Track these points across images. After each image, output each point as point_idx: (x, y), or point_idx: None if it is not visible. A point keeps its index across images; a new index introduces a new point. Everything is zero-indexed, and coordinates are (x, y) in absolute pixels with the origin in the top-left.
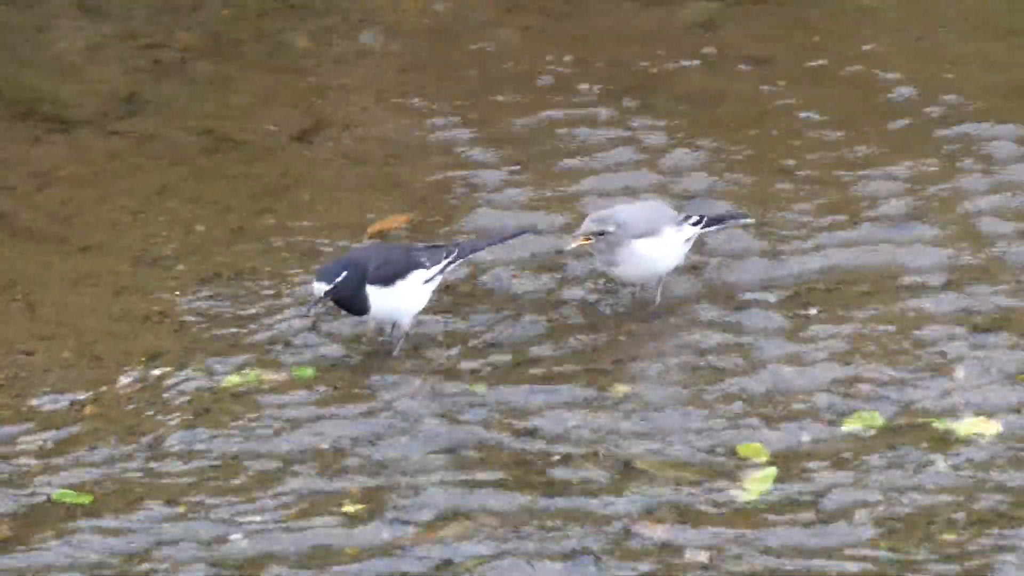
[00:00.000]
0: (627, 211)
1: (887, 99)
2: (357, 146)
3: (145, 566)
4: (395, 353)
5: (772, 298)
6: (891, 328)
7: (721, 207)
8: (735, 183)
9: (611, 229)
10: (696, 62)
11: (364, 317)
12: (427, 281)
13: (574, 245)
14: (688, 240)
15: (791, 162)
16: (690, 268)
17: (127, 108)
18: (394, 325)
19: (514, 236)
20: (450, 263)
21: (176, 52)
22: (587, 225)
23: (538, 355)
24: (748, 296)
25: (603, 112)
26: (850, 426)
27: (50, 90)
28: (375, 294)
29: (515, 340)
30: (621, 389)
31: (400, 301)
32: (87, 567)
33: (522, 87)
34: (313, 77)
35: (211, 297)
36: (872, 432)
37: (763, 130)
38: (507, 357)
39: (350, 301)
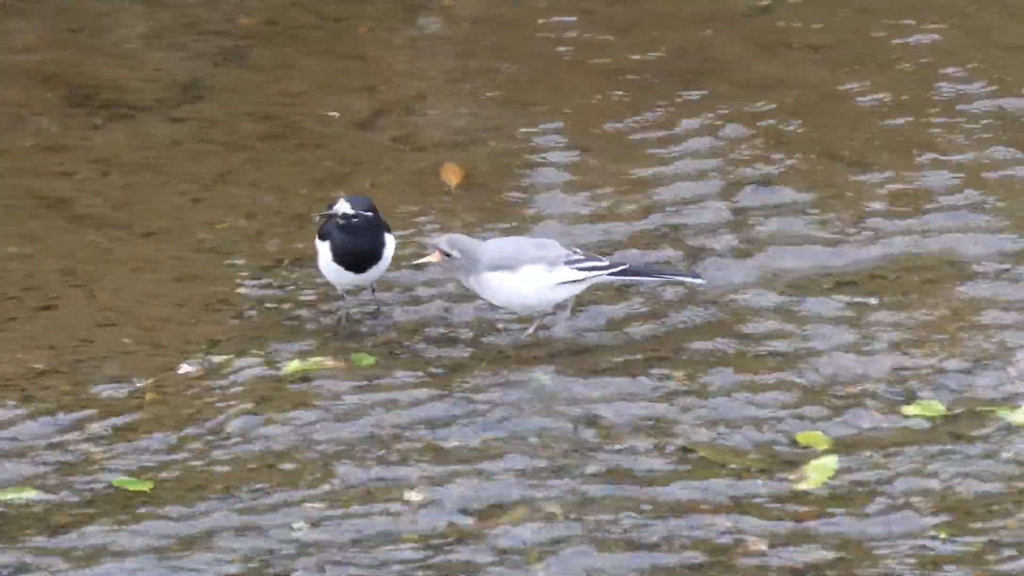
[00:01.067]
0: (491, 242)
1: (949, 86)
2: (417, 132)
3: (207, 555)
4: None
5: (830, 285)
6: (950, 316)
7: (669, 266)
8: (793, 169)
9: (455, 254)
10: (755, 47)
11: (359, 276)
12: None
13: (425, 260)
14: (565, 283)
15: (850, 149)
16: (746, 254)
17: (188, 94)
18: (373, 289)
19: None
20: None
21: (236, 38)
22: (438, 241)
23: (599, 343)
24: (806, 283)
25: (663, 97)
26: (910, 414)
27: (111, 76)
28: (388, 241)
29: (577, 328)
30: (681, 377)
31: (390, 252)
32: (147, 552)
33: (582, 72)
34: (374, 63)
35: (272, 284)
36: (932, 420)
37: (822, 117)
38: (569, 345)
39: (369, 242)
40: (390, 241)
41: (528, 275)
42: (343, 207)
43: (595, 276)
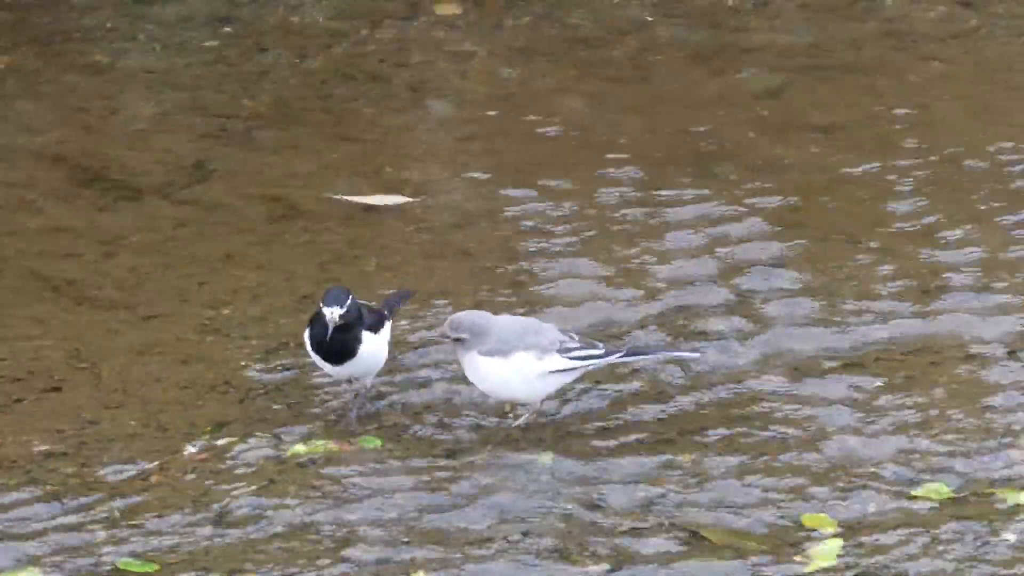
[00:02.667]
0: (499, 320)
1: (956, 168)
2: (424, 214)
3: None
4: (354, 413)
5: (836, 367)
6: (957, 398)
7: (660, 343)
8: (801, 251)
9: (464, 336)
10: (762, 130)
11: (338, 368)
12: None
13: (434, 336)
14: (556, 372)
15: (856, 231)
16: (751, 336)
17: (194, 176)
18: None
19: (403, 299)
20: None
21: (243, 120)
22: (444, 328)
23: (603, 425)
24: (812, 365)
25: (671, 179)
26: (916, 497)
27: (118, 158)
28: (366, 338)
29: (581, 410)
30: (687, 459)
31: (381, 350)
32: None
33: (590, 153)
34: (379, 145)
35: (277, 366)
36: (939, 503)
37: (830, 198)
38: (573, 427)
39: (345, 339)
40: (371, 337)
41: (518, 363)
42: (331, 314)
43: (589, 365)
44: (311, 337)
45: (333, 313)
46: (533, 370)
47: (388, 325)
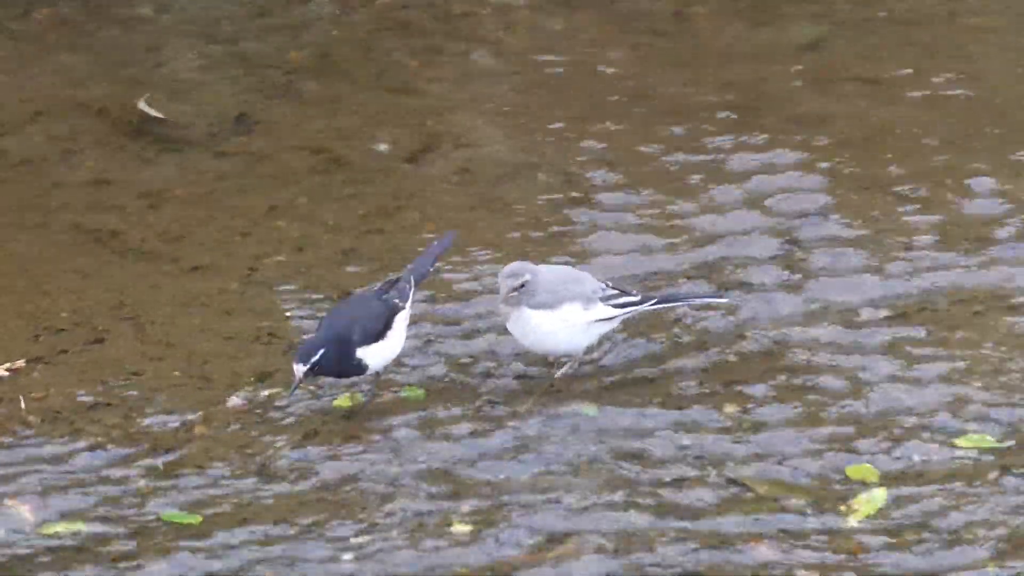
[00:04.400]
0: (540, 272)
1: (998, 119)
2: (467, 166)
3: None
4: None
5: (881, 318)
6: (1001, 348)
7: (694, 287)
8: (846, 203)
9: (527, 279)
10: (806, 82)
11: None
12: (407, 320)
13: (503, 294)
14: (600, 320)
15: (901, 182)
16: (796, 287)
17: (237, 128)
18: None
19: (444, 248)
20: (413, 293)
21: (286, 72)
22: (504, 283)
23: (648, 376)
24: (858, 316)
25: (714, 132)
26: (961, 447)
27: (162, 110)
28: (369, 352)
29: (625, 361)
30: (731, 410)
31: (392, 349)
32: None
33: (633, 106)
34: (423, 97)
35: (321, 317)
36: (983, 453)
37: (873, 150)
38: (617, 378)
39: (340, 371)
40: (371, 351)
41: (566, 314)
42: (297, 370)
43: (628, 312)
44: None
45: (298, 371)
46: (580, 320)
47: (401, 317)
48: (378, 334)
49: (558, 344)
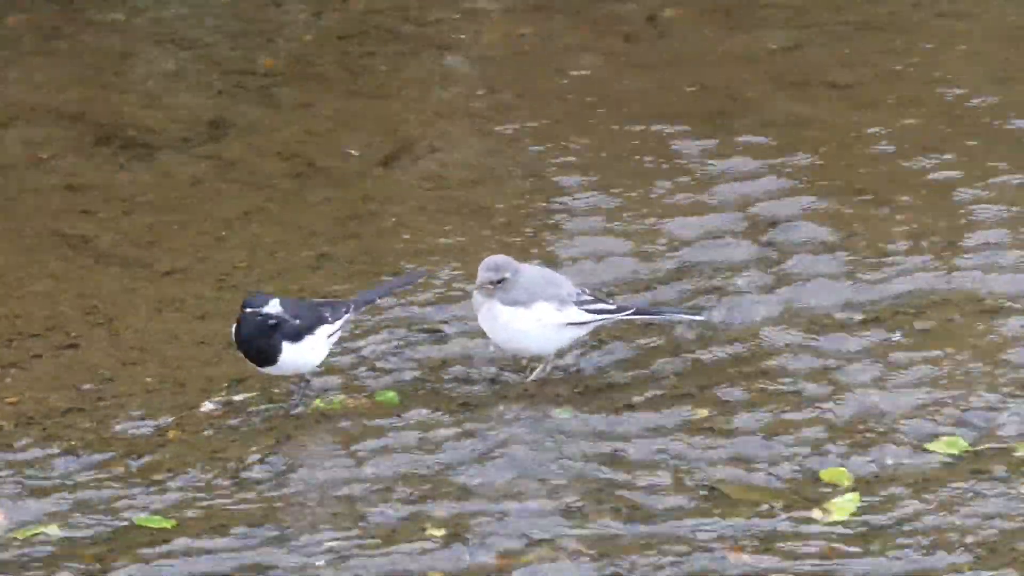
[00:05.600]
0: (521, 270)
1: (973, 125)
2: (441, 170)
3: None
4: (295, 408)
5: (855, 322)
6: (974, 352)
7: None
8: (820, 207)
9: (507, 275)
10: (780, 87)
11: (269, 368)
12: (330, 336)
13: (478, 285)
14: (572, 324)
15: (875, 187)
16: (770, 291)
17: (210, 133)
18: (301, 377)
19: (404, 285)
20: (348, 317)
21: (259, 77)
22: (483, 275)
23: (622, 381)
24: (830, 320)
25: (688, 136)
26: (934, 451)
27: (134, 115)
28: (286, 348)
29: (599, 366)
30: (704, 414)
31: (307, 355)
32: None
33: (606, 111)
34: (396, 102)
35: None
36: (956, 457)
37: (847, 155)
38: (591, 382)
39: (259, 340)
40: (292, 347)
41: (538, 313)
42: (272, 305)
43: (602, 319)
44: (234, 335)
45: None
46: (552, 321)
47: (324, 329)
48: (296, 334)
49: (528, 344)
